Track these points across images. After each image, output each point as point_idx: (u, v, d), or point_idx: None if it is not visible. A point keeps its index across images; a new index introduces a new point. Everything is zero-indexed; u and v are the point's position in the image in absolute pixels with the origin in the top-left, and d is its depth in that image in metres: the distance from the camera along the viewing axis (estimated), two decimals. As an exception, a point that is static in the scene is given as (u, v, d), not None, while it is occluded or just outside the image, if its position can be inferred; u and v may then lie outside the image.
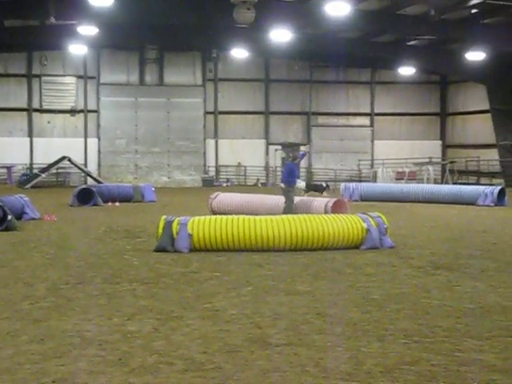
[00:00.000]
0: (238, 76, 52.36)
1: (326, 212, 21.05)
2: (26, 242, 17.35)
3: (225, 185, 49.75)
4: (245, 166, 52.41)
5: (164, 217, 16.12)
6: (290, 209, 21.75)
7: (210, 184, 49.01)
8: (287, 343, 8.06)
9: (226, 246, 15.70)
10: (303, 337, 8.37)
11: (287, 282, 12.10)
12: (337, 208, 21.55)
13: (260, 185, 50.72)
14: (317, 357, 7.52)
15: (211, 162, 52.34)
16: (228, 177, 52.22)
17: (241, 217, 16.32)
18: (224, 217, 16.36)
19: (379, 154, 53.07)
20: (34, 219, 23.06)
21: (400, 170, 45.69)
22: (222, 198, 24.94)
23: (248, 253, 15.41)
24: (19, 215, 22.47)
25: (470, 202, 31.21)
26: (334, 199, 22.90)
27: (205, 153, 52.17)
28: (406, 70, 49.52)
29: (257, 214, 18.10)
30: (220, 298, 10.72)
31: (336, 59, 50.37)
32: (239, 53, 48.51)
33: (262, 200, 24.28)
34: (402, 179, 41.40)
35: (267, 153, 52.94)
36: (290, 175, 22.87)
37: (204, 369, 7.11)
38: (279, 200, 23.64)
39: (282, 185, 22.93)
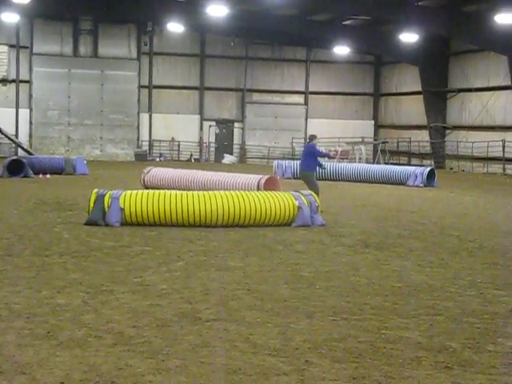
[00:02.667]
0: (174, 50, 51.98)
1: (258, 189, 21.12)
2: (-46, 213, 17.07)
3: (158, 160, 49.50)
4: (178, 142, 52.18)
5: (96, 190, 16.01)
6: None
7: (143, 158, 48.73)
8: (217, 318, 8.11)
9: (157, 220, 15.68)
10: (233, 312, 8.43)
11: (218, 257, 12.16)
12: (269, 185, 21.62)
13: (193, 160, 50.60)
14: (246, 332, 7.59)
15: (145, 136, 51.97)
16: (161, 152, 51.94)
17: (173, 192, 16.30)
18: (156, 191, 16.32)
19: (313, 133, 53.26)
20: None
21: (333, 149, 45.96)
22: (155, 172, 24.86)
23: (180, 228, 15.42)
24: None
25: (401, 182, 31.71)
26: (267, 176, 22.97)
27: (138, 127, 51.73)
28: (341, 50, 49.69)
29: (189, 190, 18.10)
30: (151, 272, 10.71)
31: (272, 36, 50.42)
32: (175, 27, 48.12)
33: (194, 175, 24.24)
34: (335, 158, 41.66)
35: (201, 128, 52.79)
36: (306, 157, 20.23)
37: (133, 343, 7.11)
38: (212, 176, 23.64)
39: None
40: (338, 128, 52.61)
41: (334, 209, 20.41)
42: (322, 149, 22.70)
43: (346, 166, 34.69)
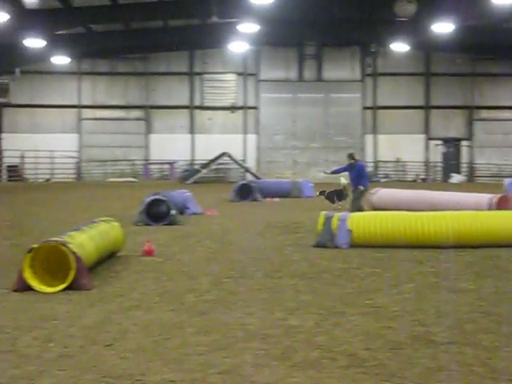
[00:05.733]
0: (398, 70, 51.78)
1: (489, 208, 20.47)
2: (189, 237, 17.74)
3: (383, 180, 49.27)
4: (404, 162, 51.75)
5: (324, 213, 16.12)
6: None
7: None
8: (452, 341, 7.87)
9: (386, 242, 15.52)
10: (469, 335, 8.15)
11: (450, 279, 11.83)
12: (502, 204, 20.91)
13: (420, 180, 49.93)
14: (484, 357, 7.31)
15: (369, 157, 51.99)
16: (386, 172, 51.71)
17: (402, 213, 16.11)
18: (385, 213, 16.20)
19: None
20: (195, 214, 23.58)
21: None
22: (382, 193, 24.70)
23: (408, 249, 15.16)
24: (182, 210, 23.03)
25: None
26: (499, 195, 22.22)
27: (363, 148, 51.87)
28: None
29: (417, 210, 17.81)
30: (381, 294, 10.60)
31: (500, 51, 48.89)
32: (399, 46, 47.87)
33: (422, 196, 23.86)
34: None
35: (427, 148, 52.06)
36: (359, 176, 21.75)
37: (367, 365, 7.05)
38: (440, 196, 23.18)
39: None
40: None
41: None
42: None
43: None
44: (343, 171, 22.28)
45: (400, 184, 41.30)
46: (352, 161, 21.81)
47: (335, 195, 25.24)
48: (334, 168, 23.54)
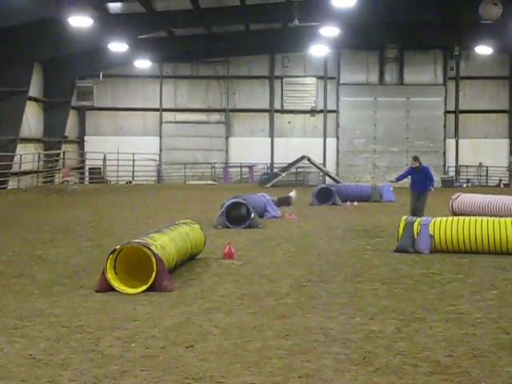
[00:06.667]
0: (481, 74, 50.92)
1: None
2: (269, 240, 17.79)
3: (465, 185, 48.53)
4: (486, 167, 50.92)
5: (405, 217, 16.00)
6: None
7: (449, 184, 47.99)
8: (537, 351, 7.72)
9: (468, 247, 15.31)
10: (555, 345, 7.98)
11: (535, 286, 11.61)
12: None
13: (502, 186, 49.05)
14: None
15: (451, 162, 51.32)
16: (468, 177, 50.95)
17: (484, 218, 15.85)
18: (467, 218, 15.96)
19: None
20: (275, 217, 23.63)
21: None
22: (464, 198, 24.36)
23: (491, 255, 14.94)
24: (261, 213, 23.09)
25: None
26: None
27: (444, 153, 51.22)
28: None
29: (500, 216, 17.51)
30: (464, 301, 10.45)
31: None
32: (483, 50, 47.05)
33: (505, 201, 23.44)
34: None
35: (511, 153, 51.13)
36: (426, 178, 21.36)
37: (450, 372, 6.95)
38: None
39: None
40: None
41: None
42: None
43: None
44: (407, 175, 22.01)
45: (482, 189, 40.66)
46: (417, 164, 21.54)
47: (280, 202, 25.30)
48: (397, 176, 23.06)
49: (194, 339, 8.16)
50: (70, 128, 48.52)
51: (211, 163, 51.59)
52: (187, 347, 7.83)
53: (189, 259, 13.74)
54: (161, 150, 51.92)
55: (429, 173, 21.57)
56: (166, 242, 11.91)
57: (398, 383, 6.62)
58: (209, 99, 51.99)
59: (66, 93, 45.86)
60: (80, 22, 33.73)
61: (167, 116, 52.06)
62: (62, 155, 47.40)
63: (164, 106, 52.00)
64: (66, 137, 47.19)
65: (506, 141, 51.15)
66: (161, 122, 52.00)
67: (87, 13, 32.96)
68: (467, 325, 8.91)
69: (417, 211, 20.62)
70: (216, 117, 52.11)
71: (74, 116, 50.10)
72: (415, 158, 21.91)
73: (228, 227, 20.12)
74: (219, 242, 16.53)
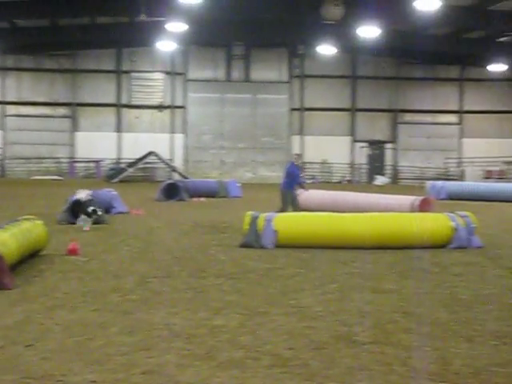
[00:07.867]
0: (325, 73, 52.22)
1: (412, 210, 20.83)
2: (115, 236, 17.63)
3: (309, 182, 49.60)
4: (330, 163, 52.24)
5: (250, 213, 16.18)
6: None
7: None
8: (373, 341, 8.00)
9: (311, 242, 15.66)
10: (390, 335, 8.30)
11: (373, 280, 12.01)
12: (424, 206, 21.30)
13: (345, 182, 50.47)
14: (404, 356, 7.45)
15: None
16: (313, 174, 52.12)
17: (326, 214, 16.28)
18: (309, 213, 16.34)
19: (467, 153, 52.27)
20: (121, 213, 23.42)
21: (489, 168, 44.84)
22: (307, 194, 24.90)
23: (333, 250, 15.33)
24: (107, 209, 22.83)
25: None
26: (421, 197, 22.63)
27: (290, 149, 52.20)
28: (497, 67, 48.48)
29: (342, 212, 18.01)
30: (305, 294, 10.70)
31: (424, 56, 49.74)
32: (326, 49, 48.26)
33: (346, 197, 24.15)
34: (491, 178, 40.63)
35: (353, 150, 52.66)
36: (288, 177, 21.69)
37: (290, 365, 7.11)
38: (364, 197, 23.47)
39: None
40: (495, 147, 51.24)
41: (492, 230, 19.81)
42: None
43: (503, 186, 33.73)
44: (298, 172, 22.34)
45: (326, 185, 41.68)
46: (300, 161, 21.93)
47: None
48: (298, 180, 22.55)
49: (34, 337, 7.99)
50: None
51: (57, 158, 50.58)
52: (27, 346, 7.66)
53: (32, 256, 13.43)
54: (4, 144, 50.46)
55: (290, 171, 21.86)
56: (6, 239, 11.60)
57: (240, 377, 6.73)
58: (54, 93, 50.96)
59: None
60: None
61: (10, 109, 50.67)
62: None
63: (7, 99, 50.57)
64: None
65: (349, 138, 52.64)
66: (4, 116, 50.53)
67: None
68: (308, 318, 9.13)
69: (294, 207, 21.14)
70: (62, 111, 51.16)
71: None
72: (299, 155, 22.38)
73: (73, 223, 19.78)
74: (64, 238, 16.24)
